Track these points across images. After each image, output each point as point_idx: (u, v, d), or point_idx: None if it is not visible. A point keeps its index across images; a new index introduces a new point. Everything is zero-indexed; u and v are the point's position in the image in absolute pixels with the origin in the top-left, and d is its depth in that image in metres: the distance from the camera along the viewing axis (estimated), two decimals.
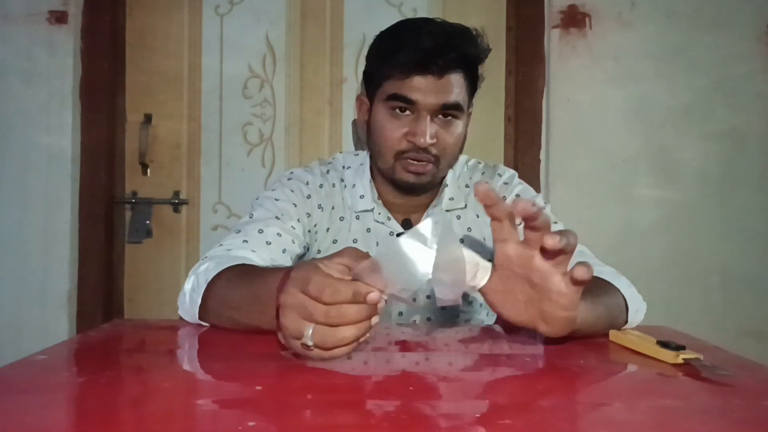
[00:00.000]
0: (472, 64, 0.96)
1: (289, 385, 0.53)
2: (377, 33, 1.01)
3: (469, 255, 0.60)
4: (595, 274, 0.82)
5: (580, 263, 0.58)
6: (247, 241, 0.89)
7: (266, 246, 0.90)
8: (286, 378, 0.56)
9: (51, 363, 0.59)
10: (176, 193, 1.76)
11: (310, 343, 0.53)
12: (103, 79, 1.70)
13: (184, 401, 0.49)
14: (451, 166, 1.03)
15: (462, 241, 1.03)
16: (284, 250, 0.92)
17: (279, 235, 0.92)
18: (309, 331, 0.53)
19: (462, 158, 1.09)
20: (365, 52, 1.04)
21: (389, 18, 1.16)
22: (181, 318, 0.81)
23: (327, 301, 0.52)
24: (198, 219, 1.77)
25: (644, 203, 1.70)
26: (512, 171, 1.10)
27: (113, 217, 1.76)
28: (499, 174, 1.08)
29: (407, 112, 0.94)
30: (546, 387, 0.56)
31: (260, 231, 0.91)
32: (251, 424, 0.41)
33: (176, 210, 1.77)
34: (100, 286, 1.70)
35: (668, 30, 1.70)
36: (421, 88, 0.92)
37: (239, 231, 0.92)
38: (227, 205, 1.77)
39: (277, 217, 0.95)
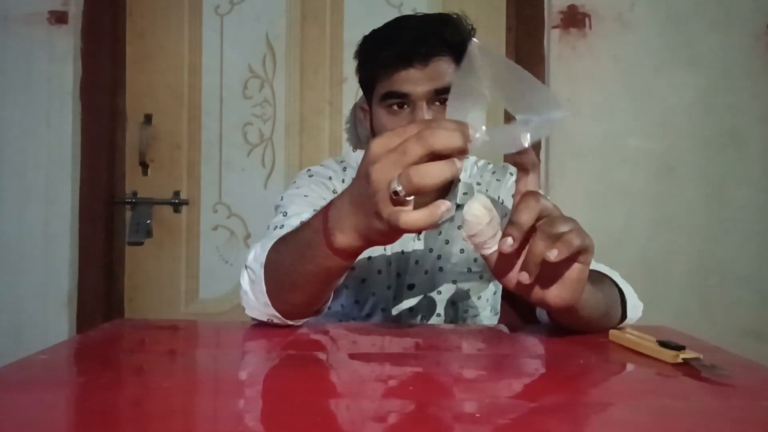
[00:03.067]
0: (456, 47, 0.96)
1: (289, 385, 0.53)
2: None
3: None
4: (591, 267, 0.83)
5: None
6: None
7: None
8: (286, 378, 0.56)
9: (51, 363, 0.59)
10: (176, 193, 1.76)
11: (399, 188, 0.51)
12: (103, 79, 1.70)
13: (184, 401, 0.49)
14: None
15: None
16: None
17: None
18: (395, 181, 0.51)
19: (471, 159, 1.11)
20: None
21: (389, 18, 1.16)
22: (255, 321, 0.76)
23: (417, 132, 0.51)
24: (198, 219, 1.77)
25: (644, 203, 1.70)
26: None
27: (113, 217, 1.75)
28: (510, 173, 1.10)
29: (404, 107, 0.95)
30: (546, 387, 0.56)
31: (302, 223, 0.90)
32: (251, 424, 0.41)
33: (176, 210, 1.77)
34: (100, 286, 1.70)
35: (668, 30, 1.70)
36: (410, 79, 0.93)
37: (282, 226, 0.89)
38: (227, 205, 1.77)
39: (314, 210, 0.94)
